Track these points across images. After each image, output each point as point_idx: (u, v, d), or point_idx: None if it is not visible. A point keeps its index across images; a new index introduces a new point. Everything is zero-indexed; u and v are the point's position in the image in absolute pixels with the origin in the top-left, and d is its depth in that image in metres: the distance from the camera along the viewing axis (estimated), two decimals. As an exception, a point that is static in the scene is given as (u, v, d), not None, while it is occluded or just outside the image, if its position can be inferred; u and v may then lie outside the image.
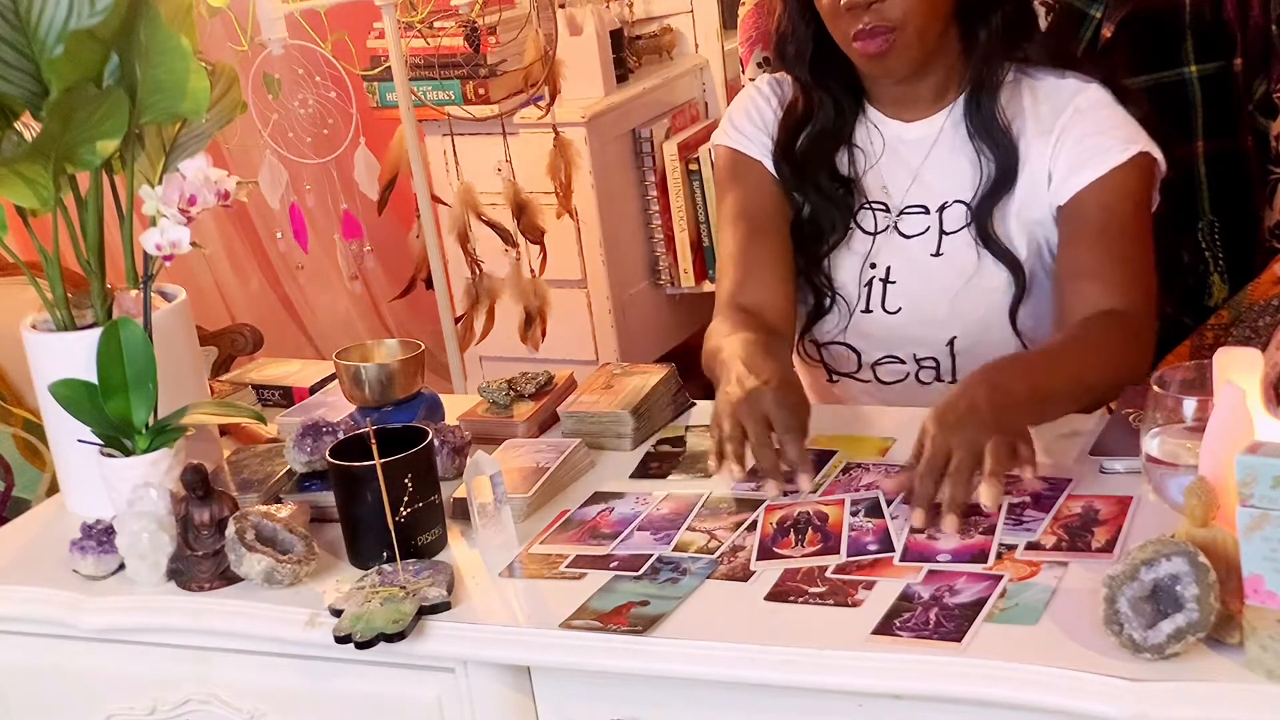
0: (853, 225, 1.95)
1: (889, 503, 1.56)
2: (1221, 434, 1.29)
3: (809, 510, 1.57)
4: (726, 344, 1.77)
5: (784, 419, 1.61)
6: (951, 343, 1.92)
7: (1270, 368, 1.56)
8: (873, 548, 1.48)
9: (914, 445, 1.56)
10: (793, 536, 1.53)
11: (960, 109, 1.90)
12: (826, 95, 1.94)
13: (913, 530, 1.50)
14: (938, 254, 1.91)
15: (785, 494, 1.59)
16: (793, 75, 1.97)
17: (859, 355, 1.98)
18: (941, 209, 1.91)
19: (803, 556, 1.50)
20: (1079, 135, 1.84)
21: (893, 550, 1.47)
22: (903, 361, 1.96)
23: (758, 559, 1.50)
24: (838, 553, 1.49)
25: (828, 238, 1.95)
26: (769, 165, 1.97)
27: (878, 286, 1.94)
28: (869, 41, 1.82)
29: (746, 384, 1.64)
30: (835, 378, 2.01)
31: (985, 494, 1.48)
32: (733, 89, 4.03)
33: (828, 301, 1.96)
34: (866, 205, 1.95)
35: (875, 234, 1.94)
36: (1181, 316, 2.31)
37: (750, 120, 1.99)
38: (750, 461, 1.61)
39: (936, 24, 1.84)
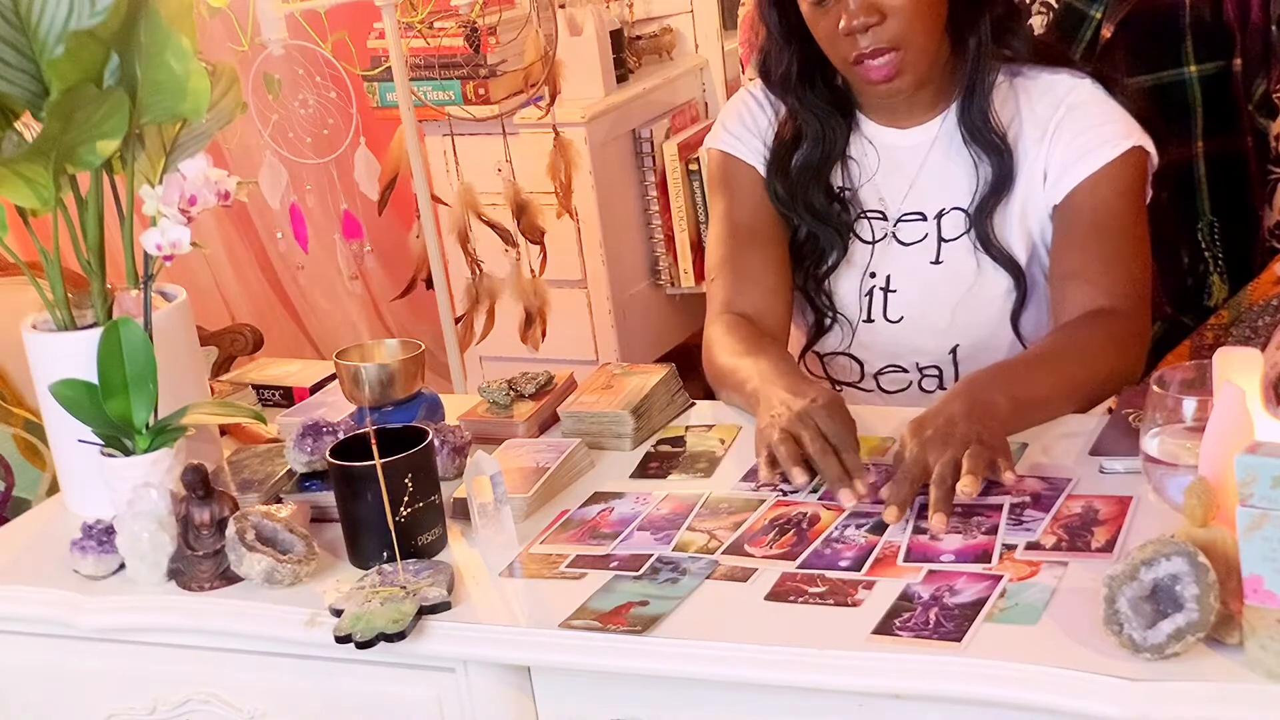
0: (851, 236, 1.94)
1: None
2: (1221, 434, 1.29)
3: (806, 511, 1.57)
4: (751, 371, 1.75)
5: (840, 434, 1.60)
6: (954, 351, 1.92)
7: (1270, 368, 1.56)
8: (843, 564, 1.46)
9: (894, 455, 1.57)
10: (770, 535, 1.53)
11: (954, 115, 1.90)
12: (813, 116, 1.93)
13: (916, 531, 1.50)
14: (937, 262, 1.91)
15: (856, 501, 1.56)
16: (780, 97, 1.96)
17: (861, 366, 1.97)
18: (939, 216, 1.91)
19: (763, 557, 1.49)
20: (1072, 132, 1.84)
21: (859, 571, 1.45)
22: (905, 370, 1.95)
23: (723, 552, 1.51)
24: (793, 560, 1.48)
25: (828, 258, 1.94)
26: (762, 170, 1.96)
27: (878, 296, 1.93)
28: (873, 67, 1.81)
29: (795, 405, 1.63)
30: (838, 388, 2.01)
31: (963, 484, 1.47)
32: (732, 89, 4.03)
33: (828, 320, 1.96)
34: (863, 214, 1.94)
35: (873, 243, 1.94)
36: (1181, 316, 2.31)
37: (743, 124, 1.98)
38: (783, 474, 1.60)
39: (935, 37, 1.83)
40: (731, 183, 1.98)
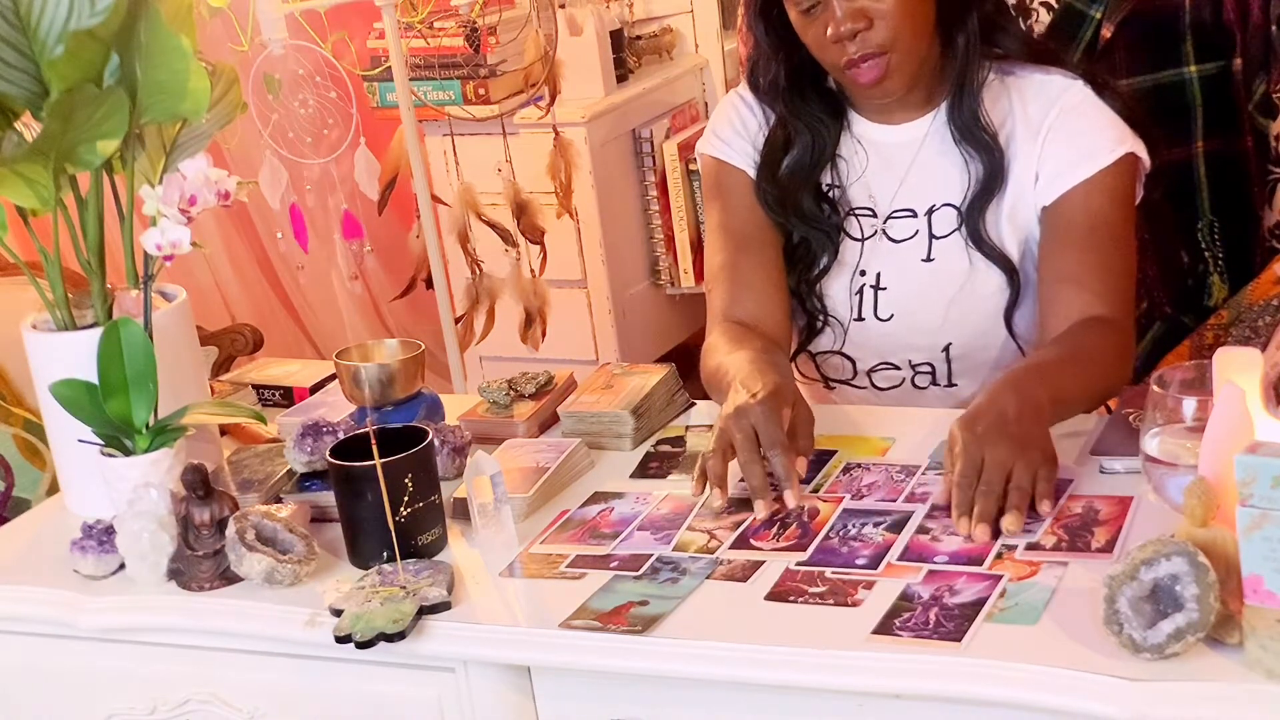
0: (841, 237, 1.94)
1: (934, 508, 1.55)
2: (1221, 434, 1.29)
3: (804, 504, 1.58)
4: (730, 364, 1.76)
5: (770, 432, 1.59)
6: (947, 349, 1.92)
7: (1270, 368, 1.56)
8: (860, 562, 1.46)
9: (946, 452, 1.57)
10: (774, 529, 1.54)
11: (945, 112, 1.90)
12: (802, 124, 1.92)
13: (917, 531, 1.50)
14: (929, 259, 1.91)
15: (776, 512, 1.57)
16: (766, 105, 1.95)
17: (854, 363, 1.97)
18: (930, 212, 1.91)
19: (772, 550, 1.50)
20: (1065, 136, 1.84)
21: (876, 569, 1.45)
22: (898, 368, 1.95)
23: (729, 547, 1.52)
24: (804, 550, 1.49)
25: (819, 261, 1.94)
26: (753, 174, 1.96)
27: (869, 294, 1.93)
28: (863, 70, 1.81)
29: (736, 401, 1.64)
30: (832, 385, 2.01)
31: (1009, 521, 1.47)
32: (732, 89, 4.03)
33: (820, 323, 1.96)
34: (852, 212, 1.94)
35: (863, 240, 1.93)
36: (1181, 316, 2.31)
37: (733, 128, 1.98)
38: (732, 483, 1.61)
39: (924, 37, 1.83)
40: (724, 189, 1.98)
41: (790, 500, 1.57)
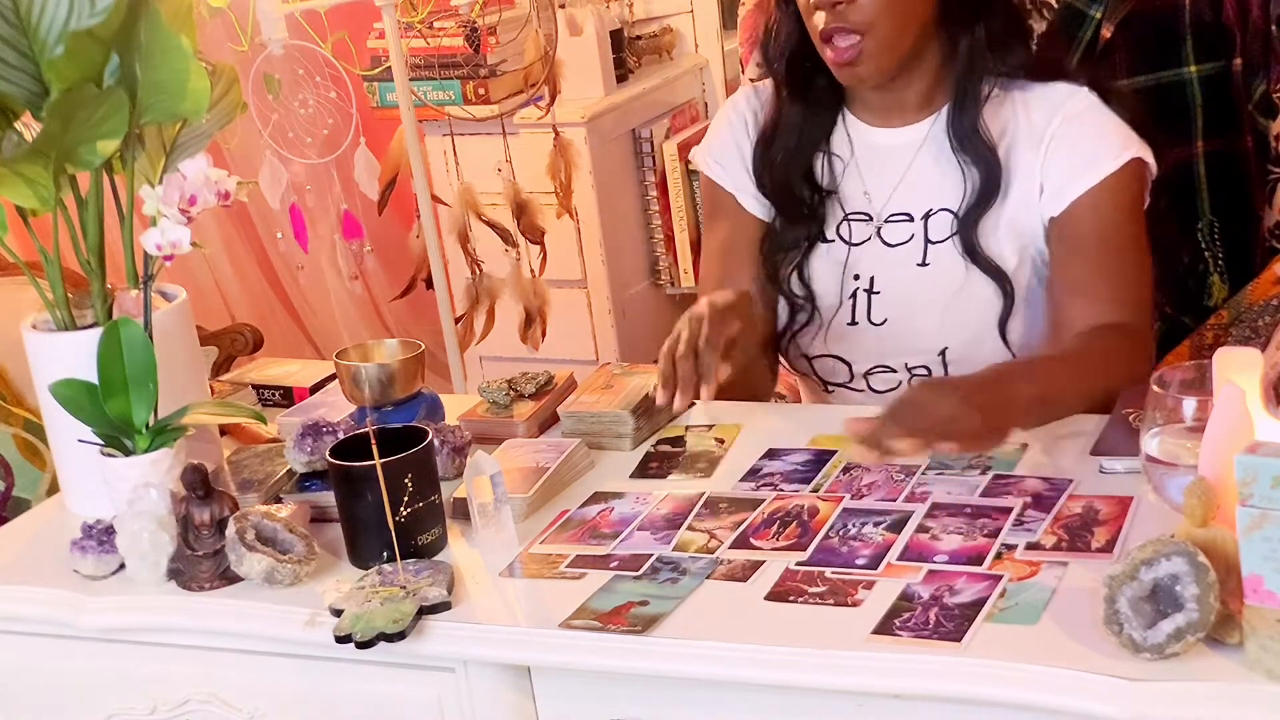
0: (834, 237, 1.94)
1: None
2: (1221, 434, 1.29)
3: (804, 504, 1.58)
4: None
5: (706, 330, 1.68)
6: (943, 353, 1.92)
7: (1270, 368, 1.56)
8: (860, 562, 1.46)
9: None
10: (774, 529, 1.54)
11: (944, 119, 1.89)
12: (801, 96, 1.92)
13: (917, 530, 1.50)
14: (924, 264, 1.90)
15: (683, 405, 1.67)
16: (771, 71, 1.95)
17: (850, 367, 1.97)
18: (926, 216, 1.90)
19: (772, 550, 1.50)
20: (1070, 143, 1.83)
21: (875, 569, 1.45)
22: (894, 370, 1.95)
23: (729, 547, 1.52)
24: (804, 550, 1.49)
25: (799, 244, 1.94)
26: (744, 198, 1.98)
27: (862, 298, 1.92)
28: (838, 50, 1.81)
29: (695, 305, 1.71)
30: (830, 389, 2.01)
31: (901, 445, 1.50)
32: (732, 89, 4.03)
33: (804, 314, 1.95)
34: (846, 219, 1.94)
35: (858, 245, 1.93)
36: (1181, 316, 2.31)
37: (726, 149, 1.99)
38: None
39: (909, 30, 1.82)
40: (717, 209, 2.02)
41: (704, 395, 1.65)
